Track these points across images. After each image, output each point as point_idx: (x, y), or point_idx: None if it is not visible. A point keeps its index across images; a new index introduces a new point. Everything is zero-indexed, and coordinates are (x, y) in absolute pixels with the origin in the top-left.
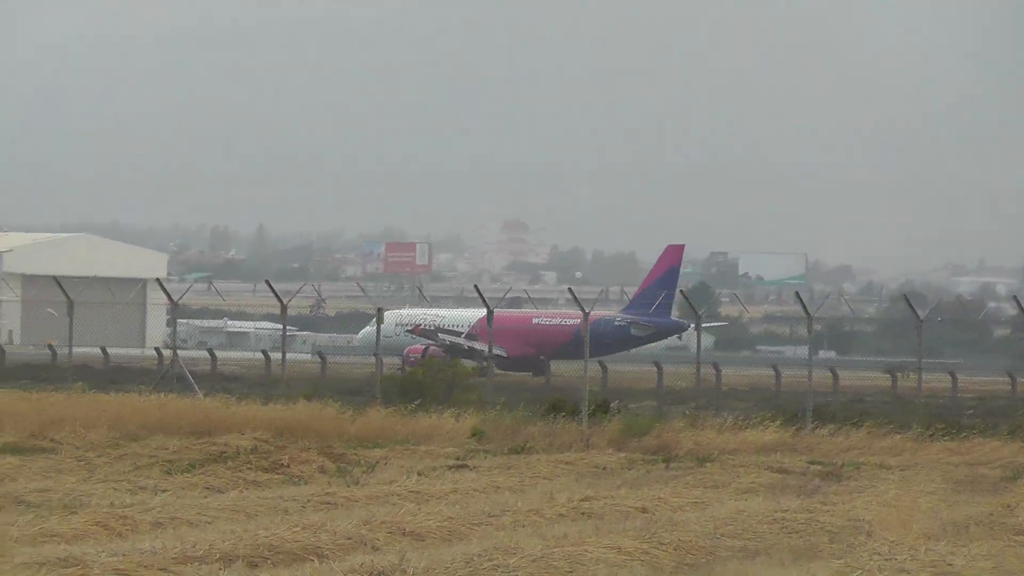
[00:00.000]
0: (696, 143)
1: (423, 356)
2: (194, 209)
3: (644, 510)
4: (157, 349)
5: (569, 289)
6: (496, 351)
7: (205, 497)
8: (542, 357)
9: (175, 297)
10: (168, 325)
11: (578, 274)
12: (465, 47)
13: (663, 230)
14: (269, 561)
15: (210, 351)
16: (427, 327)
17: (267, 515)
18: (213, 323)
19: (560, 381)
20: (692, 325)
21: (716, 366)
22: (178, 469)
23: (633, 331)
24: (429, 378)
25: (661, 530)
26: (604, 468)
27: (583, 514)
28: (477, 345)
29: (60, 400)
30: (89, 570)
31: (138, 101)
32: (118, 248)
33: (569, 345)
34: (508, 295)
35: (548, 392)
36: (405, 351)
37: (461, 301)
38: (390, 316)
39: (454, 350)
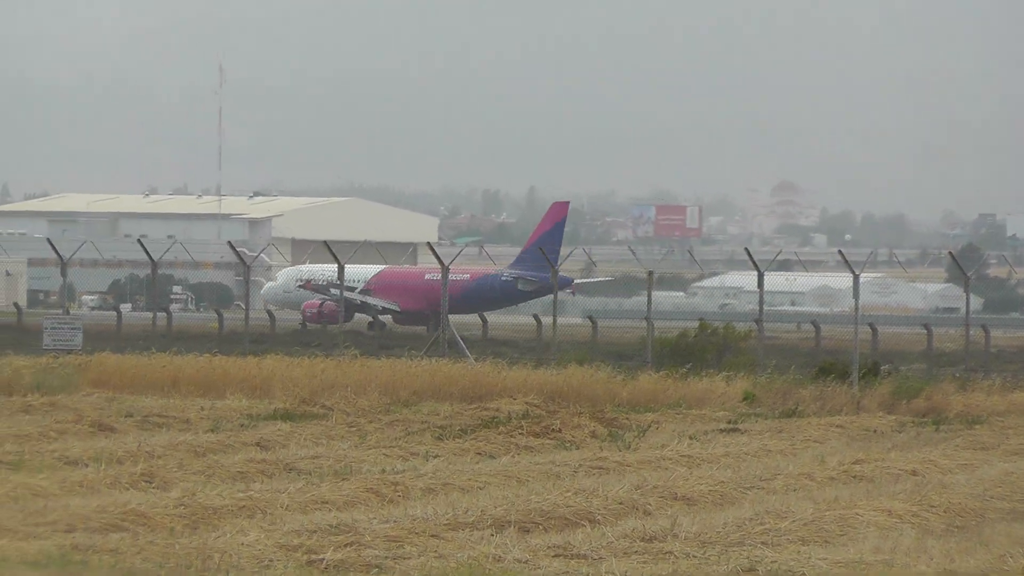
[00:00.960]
0: (977, 105)
1: (319, 310)
2: (464, 172)
3: (914, 473)
4: None
5: (839, 251)
6: (389, 305)
7: (477, 463)
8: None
9: (446, 261)
10: None
11: (848, 236)
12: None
13: (932, 192)
14: (540, 526)
15: (481, 316)
16: (318, 282)
17: (539, 480)
18: None
19: (830, 344)
20: (574, 280)
21: (985, 328)
22: (449, 435)
23: (520, 286)
24: (701, 342)
25: (931, 493)
26: (874, 431)
27: (854, 477)
28: (370, 300)
29: (331, 366)
30: (360, 537)
31: (410, 64)
32: (388, 212)
33: (458, 300)
34: (778, 257)
35: (819, 355)
36: (303, 306)
37: (731, 264)
38: (290, 272)
39: (348, 305)
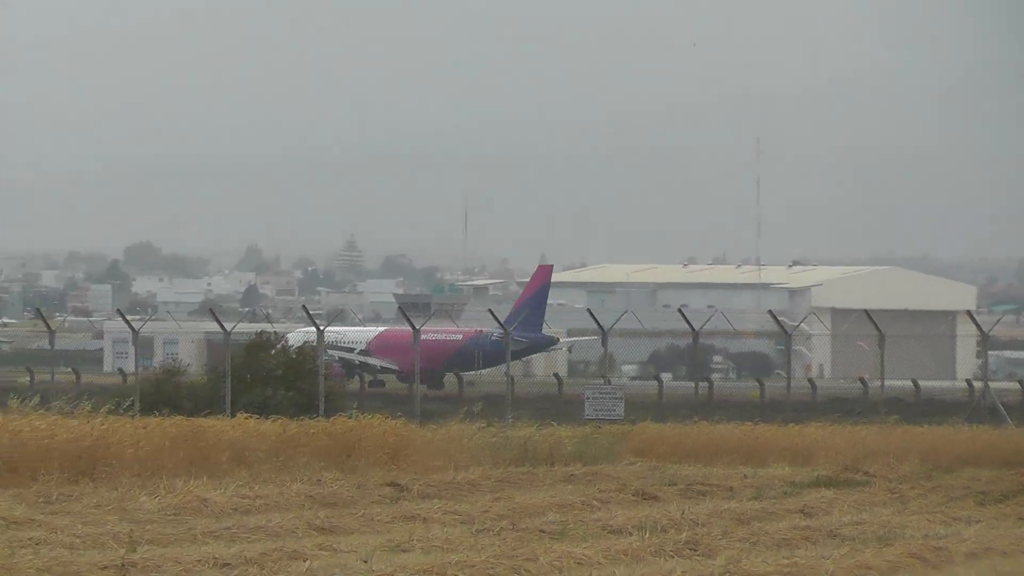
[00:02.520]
0: None
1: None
2: (1001, 241)
3: None
4: (968, 381)
5: None
6: (388, 364)
7: (1019, 527)
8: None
9: (985, 329)
10: (978, 357)
11: None
12: None
13: None
14: None
15: (1021, 382)
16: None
17: None
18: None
19: None
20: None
21: None
22: (991, 500)
23: (513, 346)
24: None
25: None
26: None
27: None
28: (370, 360)
29: (873, 433)
30: None
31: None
32: (927, 281)
33: (454, 358)
34: None
35: None
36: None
37: None
38: (298, 335)
39: (348, 365)
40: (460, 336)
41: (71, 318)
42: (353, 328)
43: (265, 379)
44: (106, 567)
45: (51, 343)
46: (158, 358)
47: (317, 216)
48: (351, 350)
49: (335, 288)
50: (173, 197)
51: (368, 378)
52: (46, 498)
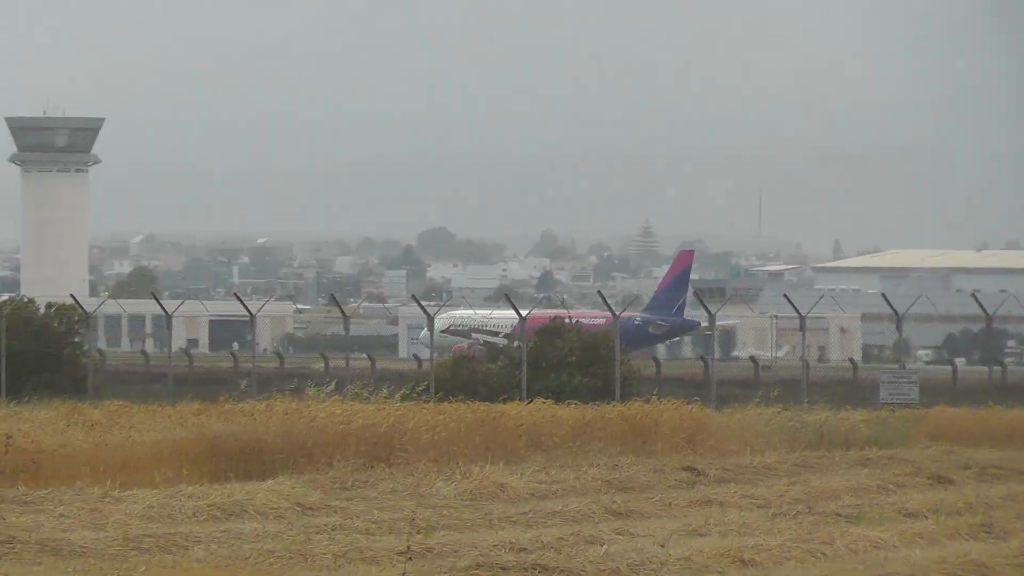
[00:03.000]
0: None
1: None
2: None
3: None
4: None
5: None
6: None
7: None
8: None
9: None
10: None
11: None
12: None
13: None
14: None
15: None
16: (459, 327)
17: None
18: None
19: None
20: (700, 323)
21: None
22: None
23: (650, 330)
24: None
25: None
26: None
27: None
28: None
29: None
30: None
31: None
32: None
33: None
34: None
35: None
36: (452, 349)
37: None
38: (445, 318)
39: (491, 348)
40: (603, 320)
41: (366, 304)
42: (499, 312)
43: (559, 364)
44: (402, 552)
45: (346, 329)
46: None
47: (612, 202)
48: (496, 333)
49: (630, 274)
50: (468, 184)
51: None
52: (342, 484)
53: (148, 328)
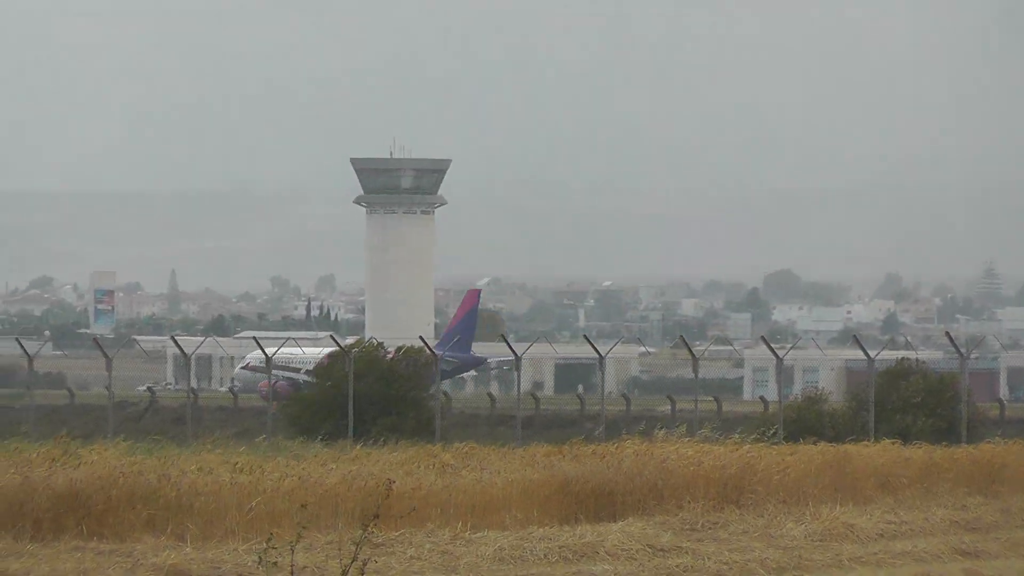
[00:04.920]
0: None
1: (271, 389)
2: None
3: None
4: None
5: None
6: None
7: None
8: None
9: None
10: None
11: None
12: None
13: None
14: None
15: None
16: (256, 364)
17: None
18: None
19: None
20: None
21: None
22: None
23: (443, 366)
24: None
25: None
26: None
27: None
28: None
29: None
30: None
31: None
32: None
33: None
34: None
35: None
36: (259, 386)
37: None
38: (256, 355)
39: (295, 384)
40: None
41: (712, 347)
42: (305, 349)
43: (904, 406)
44: None
45: (695, 371)
46: (797, 386)
47: (954, 243)
48: (297, 370)
49: (973, 316)
50: (812, 225)
51: None
52: (692, 525)
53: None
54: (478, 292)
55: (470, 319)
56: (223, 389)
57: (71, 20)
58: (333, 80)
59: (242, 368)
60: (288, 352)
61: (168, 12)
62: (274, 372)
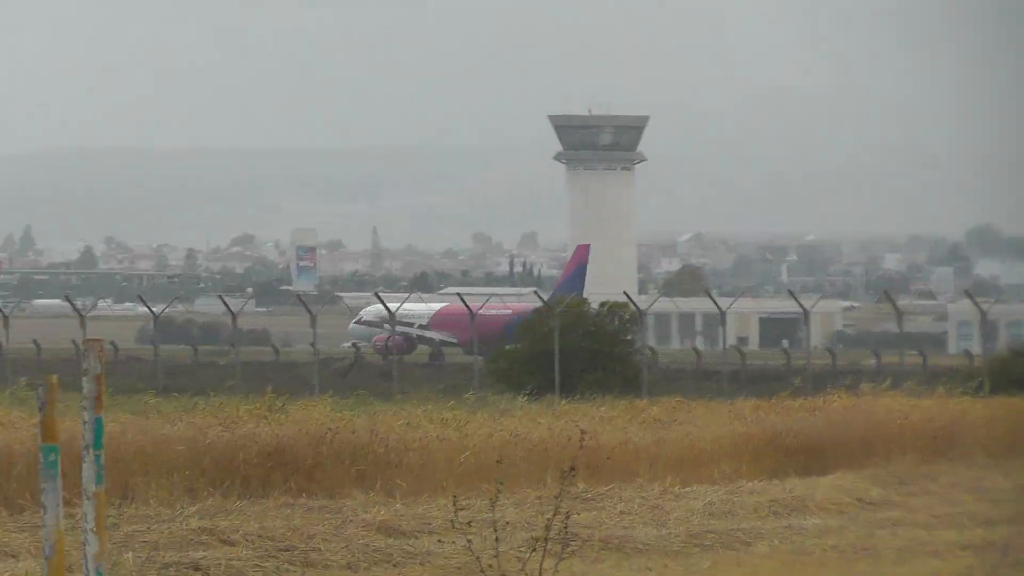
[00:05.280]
0: None
1: (386, 343)
2: None
3: None
4: None
5: None
6: (447, 337)
7: None
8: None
9: None
10: None
11: None
12: None
13: None
14: None
15: None
16: (373, 319)
17: None
18: None
19: None
20: None
21: None
22: None
23: None
24: None
25: None
26: None
27: None
28: (427, 334)
29: None
30: None
31: None
32: None
33: (503, 331)
34: None
35: None
36: (373, 340)
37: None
38: (371, 309)
39: (408, 338)
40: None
41: (915, 301)
42: (416, 305)
43: None
44: (965, 547)
45: (899, 325)
46: (1002, 340)
47: None
48: (411, 324)
49: None
50: (1016, 182)
51: (429, 350)
52: (901, 479)
53: (698, 325)
54: (587, 247)
55: (578, 275)
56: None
57: None
58: (532, 37)
59: (356, 323)
60: (406, 307)
61: None
62: (386, 326)
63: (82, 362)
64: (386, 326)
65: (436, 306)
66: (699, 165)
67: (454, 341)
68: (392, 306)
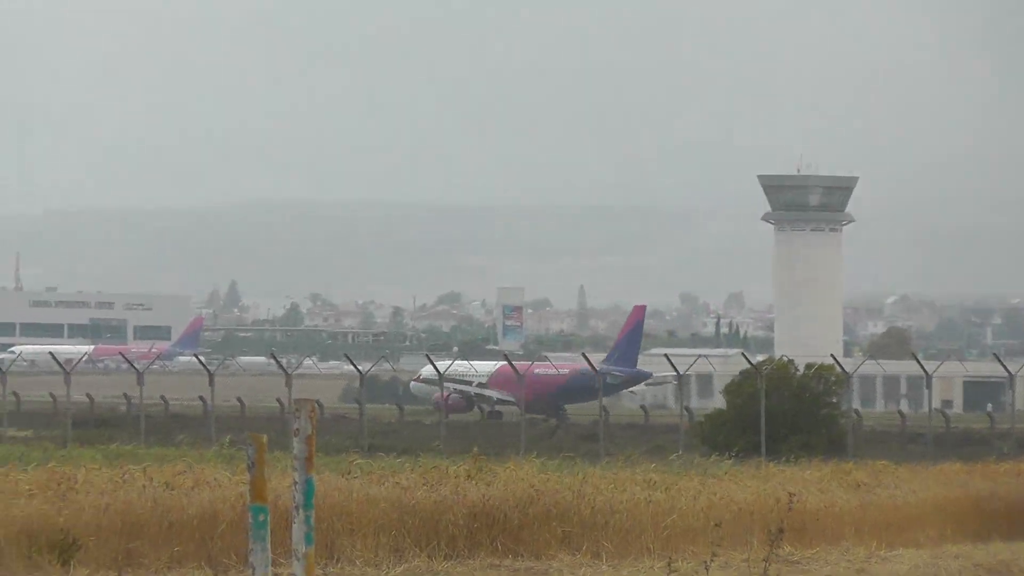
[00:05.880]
0: None
1: (447, 401)
2: None
3: None
4: None
5: None
6: (504, 396)
7: None
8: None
9: None
10: None
11: None
12: None
13: None
14: None
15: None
16: (428, 378)
17: None
18: None
19: None
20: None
21: None
22: None
23: (608, 380)
24: None
25: None
26: None
27: None
28: (486, 392)
29: None
30: None
31: None
32: None
33: (562, 390)
34: None
35: None
36: (434, 398)
37: None
38: (429, 368)
39: (467, 397)
40: (566, 372)
41: None
42: (476, 363)
43: None
44: None
45: None
46: None
47: None
48: (469, 383)
49: None
50: None
51: (487, 408)
52: None
53: (903, 388)
54: (643, 308)
55: (635, 334)
56: (632, 405)
57: None
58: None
59: (415, 381)
60: (462, 367)
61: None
62: (447, 385)
63: (292, 422)
64: (447, 385)
65: (491, 365)
66: (908, 226)
67: (511, 400)
68: (443, 366)
